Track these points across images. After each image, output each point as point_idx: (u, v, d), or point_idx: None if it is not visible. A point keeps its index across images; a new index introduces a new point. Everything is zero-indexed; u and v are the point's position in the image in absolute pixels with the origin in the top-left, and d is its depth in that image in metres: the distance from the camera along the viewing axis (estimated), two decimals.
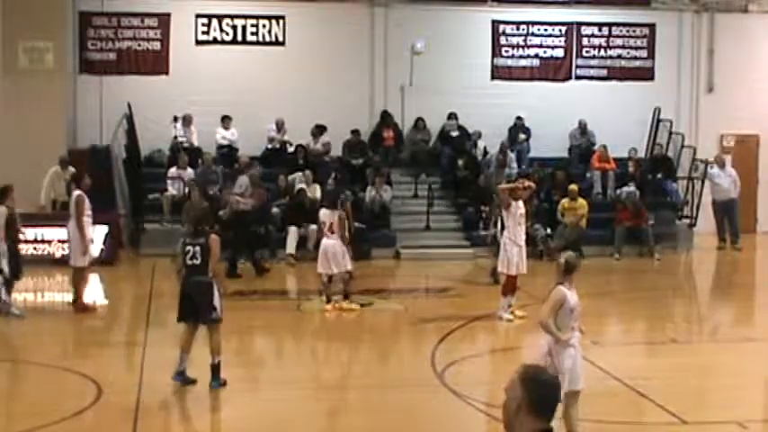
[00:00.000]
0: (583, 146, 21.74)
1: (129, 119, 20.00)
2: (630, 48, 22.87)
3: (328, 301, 13.46)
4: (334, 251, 13.19)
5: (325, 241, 13.36)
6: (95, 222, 17.51)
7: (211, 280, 9.00)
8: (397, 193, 19.87)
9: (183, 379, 8.97)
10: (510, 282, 12.61)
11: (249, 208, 16.47)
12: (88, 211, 13.43)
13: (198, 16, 21.36)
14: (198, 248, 8.95)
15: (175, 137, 20.37)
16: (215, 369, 8.96)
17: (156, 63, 21.24)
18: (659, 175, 21.37)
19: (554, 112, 21.84)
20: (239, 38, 21.51)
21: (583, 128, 21.98)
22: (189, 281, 9.07)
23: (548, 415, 3.50)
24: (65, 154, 18.57)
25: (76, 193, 13.42)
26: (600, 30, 22.77)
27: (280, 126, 20.84)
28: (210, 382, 8.92)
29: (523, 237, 12.59)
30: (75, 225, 13.28)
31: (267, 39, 21.62)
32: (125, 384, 9.13)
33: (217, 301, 8.99)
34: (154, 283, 15.21)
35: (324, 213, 13.51)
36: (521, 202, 12.60)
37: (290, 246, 18.10)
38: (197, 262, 8.95)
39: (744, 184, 21.38)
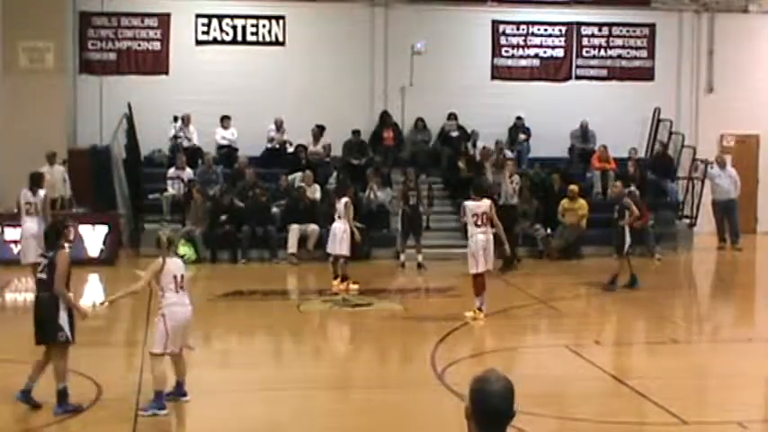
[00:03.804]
0: (587, 150, 21.73)
1: (129, 119, 20.01)
2: (630, 48, 22.89)
3: (335, 278, 15.11)
4: (334, 233, 15.05)
5: (333, 224, 15.31)
6: (96, 222, 17.66)
7: (57, 297, 8.27)
8: (396, 193, 19.86)
9: (27, 399, 8.34)
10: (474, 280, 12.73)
11: (516, 203, 17.58)
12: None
13: (198, 16, 21.38)
14: (46, 262, 8.34)
15: (176, 137, 20.39)
16: (59, 395, 8.22)
17: (156, 63, 21.25)
18: (651, 174, 21.31)
19: (554, 112, 21.85)
20: (239, 38, 21.53)
21: (584, 130, 21.98)
22: (36, 296, 8.48)
23: (495, 426, 3.47)
24: (51, 150, 18.34)
25: (44, 192, 14.20)
26: (600, 30, 22.79)
27: (279, 126, 20.84)
28: (55, 407, 8.26)
29: (479, 236, 12.52)
30: (42, 223, 13.41)
31: (267, 39, 21.64)
32: (125, 384, 9.13)
33: (63, 320, 8.24)
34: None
35: (337, 201, 15.46)
36: (479, 202, 12.67)
37: (292, 245, 18.14)
38: (44, 276, 8.31)
39: (744, 184, 21.39)
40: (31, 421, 8.15)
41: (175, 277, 8.38)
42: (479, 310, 12.55)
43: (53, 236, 8.55)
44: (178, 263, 8.51)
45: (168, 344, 8.32)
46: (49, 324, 8.26)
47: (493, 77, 22.42)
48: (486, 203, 12.72)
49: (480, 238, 12.55)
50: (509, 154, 20.74)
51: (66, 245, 8.68)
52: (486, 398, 3.47)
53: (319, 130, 20.70)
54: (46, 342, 8.38)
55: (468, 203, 12.78)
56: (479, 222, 12.58)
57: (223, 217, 18.39)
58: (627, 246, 15.06)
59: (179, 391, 8.63)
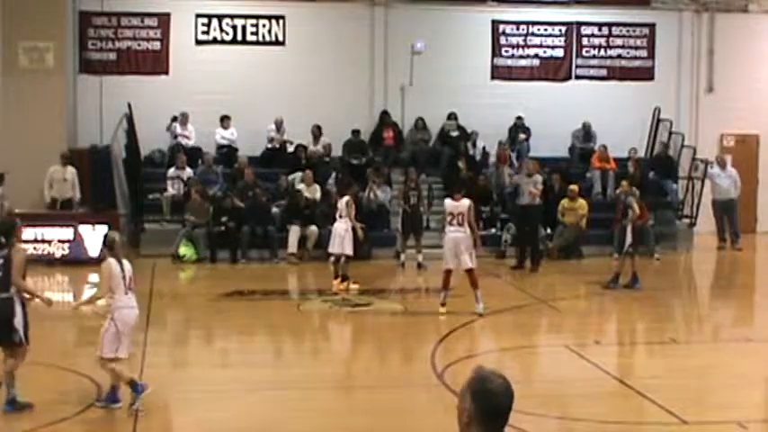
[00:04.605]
0: (587, 149, 21.71)
1: (129, 119, 19.99)
2: (630, 48, 22.87)
3: (335, 278, 14.99)
4: (336, 232, 14.97)
5: (335, 224, 15.18)
6: (96, 222, 17.66)
7: (12, 296, 8.20)
8: (397, 193, 19.85)
9: (15, 407, 8.33)
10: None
11: (538, 203, 17.57)
12: None
13: (198, 16, 21.36)
14: (1, 262, 8.23)
15: (176, 136, 20.37)
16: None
17: (156, 63, 21.23)
18: (653, 175, 21.28)
19: (554, 112, 21.84)
20: (239, 38, 21.51)
21: (587, 130, 21.96)
22: None
23: (498, 424, 3.47)
24: (64, 151, 18.50)
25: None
26: (600, 30, 22.77)
27: (279, 126, 20.84)
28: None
29: (450, 234, 12.84)
30: None
31: (267, 39, 21.62)
32: (124, 384, 9.11)
33: (18, 321, 8.23)
34: (153, 282, 15.20)
35: (339, 200, 15.33)
36: (457, 202, 12.87)
37: (292, 245, 18.14)
38: None
39: (744, 184, 21.38)
40: (30, 422, 8.14)
41: (124, 278, 8.37)
42: (442, 305, 12.94)
43: (4, 235, 8.43)
44: (126, 264, 8.47)
45: (120, 348, 8.32)
46: (4, 325, 8.24)
47: (493, 77, 22.40)
48: (464, 204, 12.88)
49: (451, 237, 12.85)
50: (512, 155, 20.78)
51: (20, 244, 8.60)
52: (490, 396, 3.46)
53: (319, 130, 20.68)
54: (1, 343, 8.36)
55: (447, 202, 13.13)
56: (454, 222, 12.83)
57: (224, 218, 18.38)
58: (627, 245, 15.08)
59: (112, 398, 8.46)
